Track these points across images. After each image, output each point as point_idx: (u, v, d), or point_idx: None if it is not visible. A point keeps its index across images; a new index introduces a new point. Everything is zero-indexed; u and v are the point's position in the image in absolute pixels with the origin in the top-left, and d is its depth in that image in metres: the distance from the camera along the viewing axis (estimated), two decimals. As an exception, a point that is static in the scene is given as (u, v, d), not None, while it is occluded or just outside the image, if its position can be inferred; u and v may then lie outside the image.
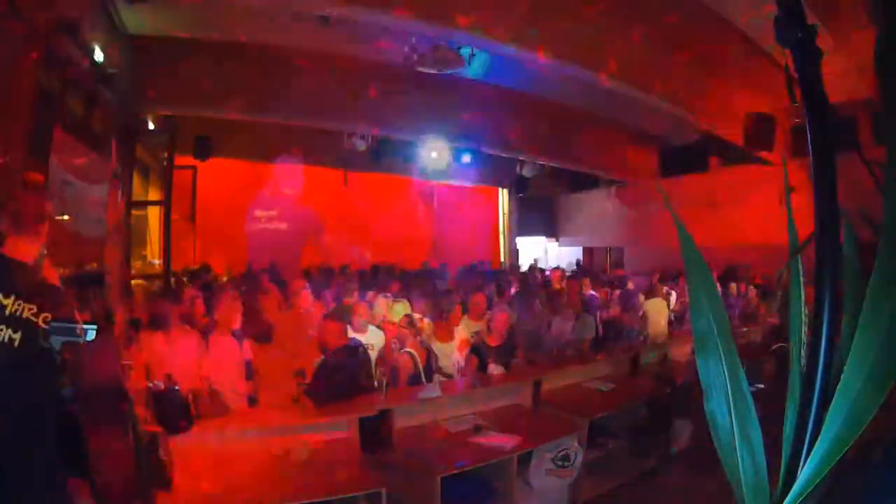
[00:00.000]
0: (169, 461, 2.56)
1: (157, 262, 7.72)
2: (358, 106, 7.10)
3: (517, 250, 13.17)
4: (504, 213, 13.29)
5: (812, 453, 0.79)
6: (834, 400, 0.77)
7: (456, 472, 2.76)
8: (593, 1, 5.02)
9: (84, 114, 4.63)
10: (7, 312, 1.57)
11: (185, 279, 7.24)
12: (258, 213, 10.13)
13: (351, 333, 3.69)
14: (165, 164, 7.82)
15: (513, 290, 6.47)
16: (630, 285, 6.45)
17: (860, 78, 4.25)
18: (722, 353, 0.91)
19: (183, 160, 8.23)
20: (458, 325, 4.38)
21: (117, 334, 3.18)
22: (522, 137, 8.64)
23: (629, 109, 7.44)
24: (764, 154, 7.22)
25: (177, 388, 2.77)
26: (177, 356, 3.34)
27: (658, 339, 5.57)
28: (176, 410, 2.67)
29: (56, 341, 1.65)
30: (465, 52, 5.62)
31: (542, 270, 8.91)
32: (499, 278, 7.55)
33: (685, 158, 9.42)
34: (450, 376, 4.08)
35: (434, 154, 9.20)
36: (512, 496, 3.10)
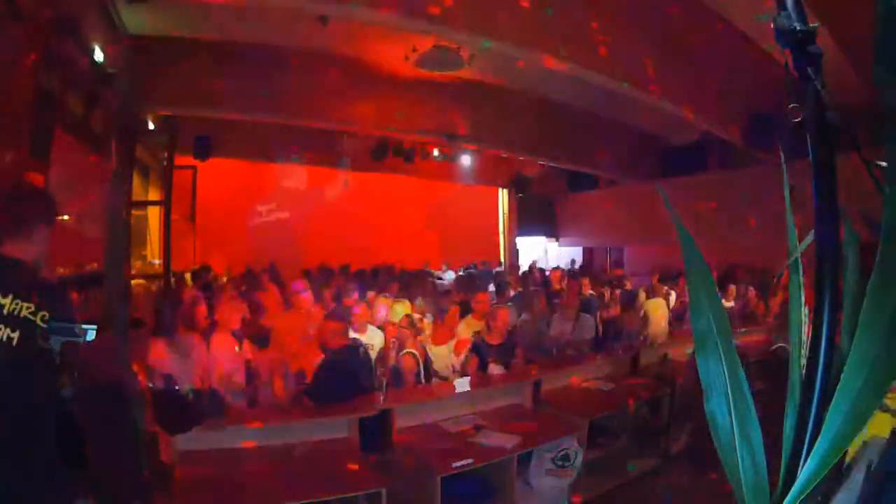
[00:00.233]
0: (169, 461, 2.57)
1: (157, 262, 7.72)
2: (358, 106, 7.10)
3: (517, 250, 13.17)
4: (504, 213, 13.28)
5: (812, 453, 0.79)
6: (834, 400, 0.77)
7: (456, 472, 2.76)
8: (593, 1, 5.03)
9: (84, 114, 4.63)
10: (5, 311, 1.57)
11: (190, 279, 7.25)
12: (258, 212, 10.14)
13: (351, 334, 3.69)
14: (165, 164, 7.82)
15: (512, 291, 6.47)
16: (628, 285, 6.45)
17: (860, 78, 4.26)
18: (722, 353, 0.91)
19: (183, 160, 8.22)
20: (456, 325, 4.36)
21: (121, 334, 3.18)
22: (523, 137, 8.64)
23: (629, 109, 7.44)
24: (763, 154, 7.22)
25: (177, 388, 2.77)
26: (177, 357, 3.34)
27: (658, 339, 5.57)
28: (176, 411, 2.67)
29: (55, 340, 1.65)
30: (465, 51, 5.62)
31: (542, 270, 8.91)
32: (498, 278, 7.55)
33: (685, 158, 9.42)
34: (445, 379, 4.07)
35: (434, 154, 9.21)
36: (512, 496, 3.11)
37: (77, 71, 4.26)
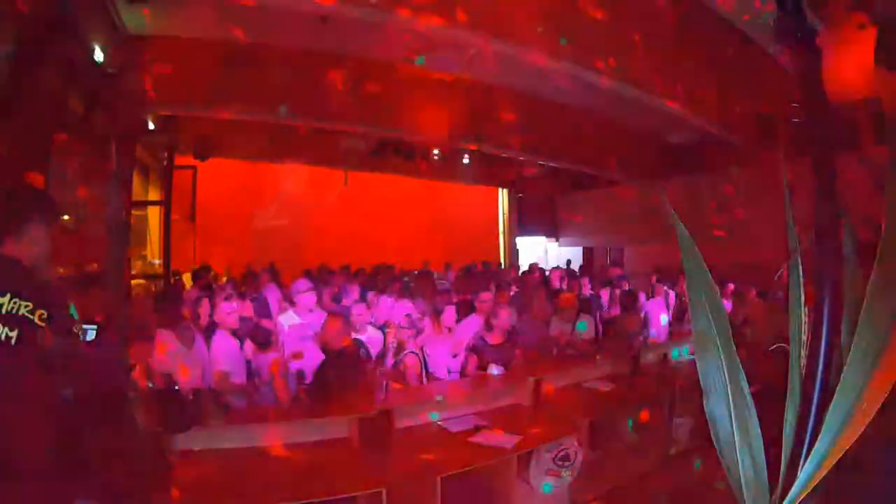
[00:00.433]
0: (169, 461, 2.56)
1: (157, 262, 7.72)
2: (358, 105, 7.09)
3: (517, 250, 13.16)
4: (504, 213, 13.28)
5: (812, 453, 0.79)
6: (834, 400, 0.77)
7: (456, 472, 2.76)
8: (592, 1, 5.03)
9: (84, 114, 4.63)
10: (3, 311, 1.57)
11: (190, 279, 7.25)
12: (258, 212, 10.14)
13: (351, 334, 3.69)
14: (165, 164, 7.82)
15: (512, 291, 6.47)
16: (625, 285, 6.45)
17: (860, 78, 4.25)
18: (722, 353, 0.91)
19: (183, 160, 8.23)
20: (452, 326, 4.34)
21: (121, 334, 3.18)
22: (523, 137, 8.63)
23: (629, 109, 7.43)
24: (764, 154, 7.21)
25: (177, 387, 2.77)
26: (181, 356, 3.35)
27: (658, 339, 5.58)
28: (176, 410, 2.67)
29: (54, 339, 1.65)
30: (466, 51, 5.62)
31: (542, 270, 8.91)
32: (498, 278, 7.55)
33: (685, 158, 9.41)
34: (438, 380, 4.06)
35: (434, 154, 9.20)
36: (512, 496, 3.10)
37: (77, 71, 4.26)
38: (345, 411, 3.08)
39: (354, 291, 5.53)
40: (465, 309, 4.94)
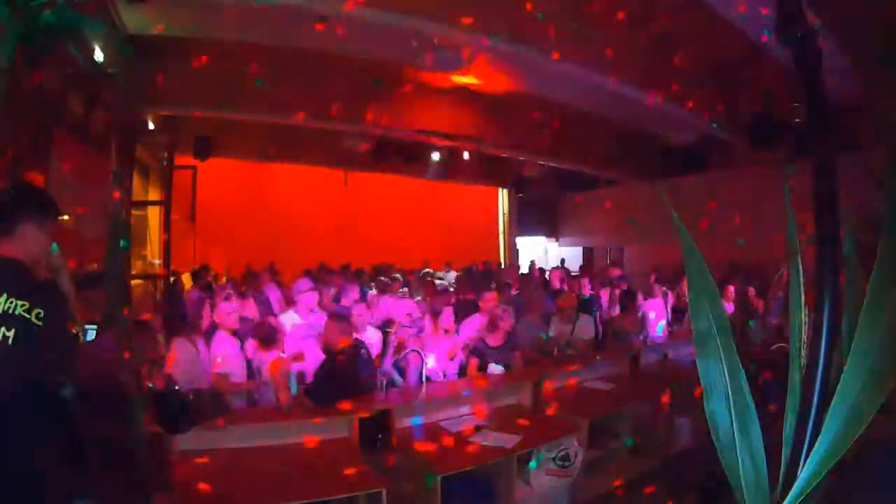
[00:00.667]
0: (169, 461, 2.57)
1: (157, 262, 7.72)
2: (358, 106, 7.10)
3: (517, 250, 13.16)
4: (504, 213, 13.27)
5: (812, 453, 0.79)
6: (834, 400, 0.77)
7: (456, 472, 2.76)
8: (592, 2, 5.02)
9: (84, 114, 4.63)
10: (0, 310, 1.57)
11: (189, 279, 7.25)
12: (258, 213, 10.14)
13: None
14: (165, 164, 7.82)
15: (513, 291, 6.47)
16: (625, 285, 6.45)
17: (860, 78, 4.25)
18: (722, 354, 0.91)
19: (183, 160, 8.23)
20: (450, 327, 4.32)
21: (121, 334, 3.18)
22: (523, 137, 8.63)
23: (629, 109, 7.43)
24: (764, 154, 7.21)
25: (177, 388, 2.77)
26: (185, 356, 3.35)
27: (657, 339, 5.58)
28: (176, 411, 2.66)
29: (51, 338, 1.65)
30: (466, 52, 5.62)
31: (542, 270, 8.91)
32: (498, 278, 7.55)
33: (685, 158, 9.41)
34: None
35: (434, 154, 9.20)
36: (512, 496, 3.10)
37: (77, 71, 4.26)
38: (345, 411, 3.08)
39: (354, 291, 5.52)
40: (467, 308, 4.94)
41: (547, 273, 8.46)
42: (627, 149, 9.76)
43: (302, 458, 2.78)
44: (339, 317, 3.57)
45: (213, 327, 3.72)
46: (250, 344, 3.73)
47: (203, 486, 2.42)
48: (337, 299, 5.51)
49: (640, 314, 5.67)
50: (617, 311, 5.87)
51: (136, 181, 7.20)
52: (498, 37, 4.87)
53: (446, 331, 4.22)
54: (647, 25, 5.36)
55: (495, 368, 3.96)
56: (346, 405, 3.12)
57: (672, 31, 5.51)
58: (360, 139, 8.60)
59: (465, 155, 9.94)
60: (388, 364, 4.05)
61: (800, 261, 0.95)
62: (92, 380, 1.91)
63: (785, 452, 0.85)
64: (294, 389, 3.39)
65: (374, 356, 4.00)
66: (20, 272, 1.66)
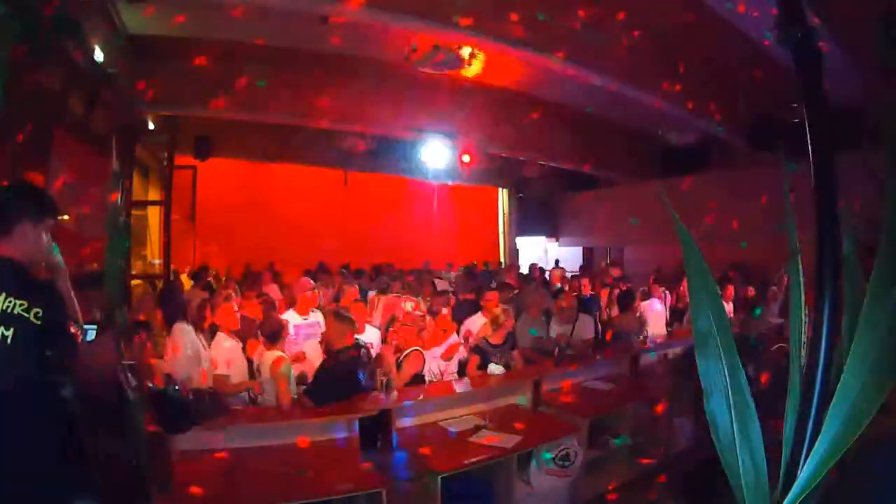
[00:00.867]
0: (169, 461, 2.57)
1: (157, 262, 7.72)
2: (358, 106, 7.10)
3: (517, 250, 13.16)
4: (504, 213, 13.27)
5: (812, 453, 0.79)
6: (834, 400, 0.77)
7: (456, 471, 2.76)
8: (592, 2, 5.02)
9: (84, 114, 4.63)
10: None
11: (188, 279, 7.25)
12: (258, 213, 10.14)
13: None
14: (165, 164, 7.82)
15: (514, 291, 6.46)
16: (624, 285, 6.45)
17: (860, 78, 4.25)
18: (722, 353, 0.91)
19: (183, 160, 8.23)
20: (448, 328, 4.31)
21: (121, 334, 3.18)
22: (522, 137, 8.64)
23: (629, 109, 7.43)
24: (764, 154, 7.21)
25: (177, 388, 2.77)
26: (179, 341, 3.36)
27: (657, 339, 5.57)
28: (176, 411, 2.67)
29: (51, 338, 1.65)
30: (465, 51, 5.62)
31: (542, 270, 8.91)
32: (499, 278, 7.55)
33: (685, 158, 9.41)
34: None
35: (434, 154, 9.19)
36: (512, 496, 3.10)
37: (77, 71, 4.25)
38: (345, 411, 3.08)
39: (354, 291, 5.52)
40: (467, 308, 4.93)
41: (547, 273, 8.46)
42: (627, 149, 9.77)
43: (302, 458, 2.78)
44: (340, 317, 3.57)
45: (214, 328, 3.72)
46: (251, 344, 3.73)
47: (203, 486, 2.42)
48: (337, 299, 5.51)
49: (639, 314, 5.67)
50: (616, 311, 5.87)
51: (136, 181, 7.20)
52: (498, 37, 4.87)
53: (444, 331, 4.22)
54: (648, 26, 5.37)
55: (495, 368, 3.96)
56: (346, 405, 3.12)
57: (672, 32, 5.52)
58: (360, 139, 8.60)
59: (465, 155, 9.94)
60: (390, 363, 4.03)
61: (800, 261, 0.95)
62: (92, 380, 1.91)
63: (785, 452, 0.85)
64: (294, 390, 3.39)
65: (374, 356, 3.99)
66: (19, 272, 1.66)
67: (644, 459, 3.98)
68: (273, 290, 5.96)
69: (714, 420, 0.90)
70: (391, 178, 10.83)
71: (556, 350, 4.44)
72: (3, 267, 1.63)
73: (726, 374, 0.90)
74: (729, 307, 6.01)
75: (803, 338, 0.91)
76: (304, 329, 4.22)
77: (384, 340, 4.29)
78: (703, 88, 6.61)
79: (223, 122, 7.63)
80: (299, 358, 3.77)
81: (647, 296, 6.09)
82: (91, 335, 2.54)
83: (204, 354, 3.49)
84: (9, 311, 1.58)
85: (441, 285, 6.50)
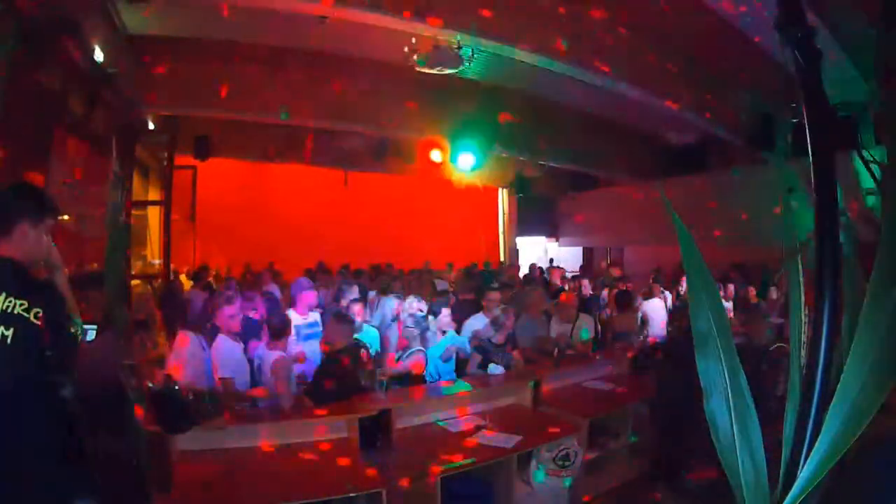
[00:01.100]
0: (169, 461, 2.57)
1: (157, 262, 7.72)
2: (358, 105, 7.10)
3: (517, 250, 13.16)
4: (504, 213, 13.27)
5: (812, 453, 0.79)
6: (834, 400, 0.77)
7: (456, 472, 2.76)
8: (593, 2, 5.02)
9: (84, 114, 4.63)
10: None
11: (187, 279, 7.26)
12: (258, 213, 10.14)
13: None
14: (165, 164, 7.82)
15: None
16: (622, 286, 6.45)
17: (860, 77, 4.25)
18: (722, 354, 0.91)
19: (183, 160, 8.23)
20: (447, 328, 4.30)
21: (121, 334, 3.18)
22: (523, 137, 8.63)
23: (629, 109, 7.43)
24: (764, 154, 7.21)
25: (177, 387, 2.77)
26: (183, 349, 3.35)
27: (656, 339, 5.57)
28: (176, 410, 2.66)
29: (51, 338, 1.65)
30: (465, 51, 5.62)
31: (542, 270, 8.91)
32: (499, 278, 7.55)
33: (685, 158, 9.41)
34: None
35: (434, 154, 9.18)
36: (512, 496, 3.10)
37: (77, 71, 4.26)
38: (345, 411, 3.08)
39: (354, 291, 5.52)
40: (467, 308, 4.93)
41: (546, 273, 8.46)
42: (627, 149, 9.76)
43: (301, 458, 2.78)
44: (341, 317, 3.57)
45: (214, 329, 3.71)
46: (252, 344, 3.72)
47: (203, 485, 2.42)
48: (337, 299, 5.51)
49: (637, 314, 5.68)
50: (617, 311, 5.87)
51: (136, 181, 7.20)
52: (498, 38, 4.87)
53: (443, 332, 4.22)
54: (648, 26, 5.37)
55: (495, 368, 3.96)
56: (345, 405, 3.12)
57: (672, 32, 5.52)
58: (360, 139, 8.59)
59: (465, 155, 9.92)
60: (392, 363, 4.03)
61: (800, 261, 0.95)
62: (92, 380, 1.91)
63: (785, 452, 0.85)
64: (294, 390, 3.39)
65: (374, 356, 4.00)
66: (19, 272, 1.66)
67: (644, 459, 3.98)
68: (273, 290, 5.96)
69: (714, 420, 0.90)
70: (391, 178, 10.82)
71: (556, 350, 4.45)
72: (3, 267, 1.63)
73: (726, 374, 0.90)
74: (729, 307, 6.01)
75: (803, 338, 0.91)
76: (304, 329, 4.22)
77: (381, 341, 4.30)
78: (703, 89, 6.61)
79: (223, 122, 7.63)
80: (299, 358, 3.77)
81: (649, 295, 6.09)
82: (91, 335, 2.54)
83: (206, 365, 3.46)
84: (9, 311, 1.58)
85: (440, 286, 6.50)
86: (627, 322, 5.45)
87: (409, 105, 7.41)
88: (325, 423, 3.04)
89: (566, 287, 6.56)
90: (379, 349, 4.25)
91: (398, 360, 4.01)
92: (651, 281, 6.58)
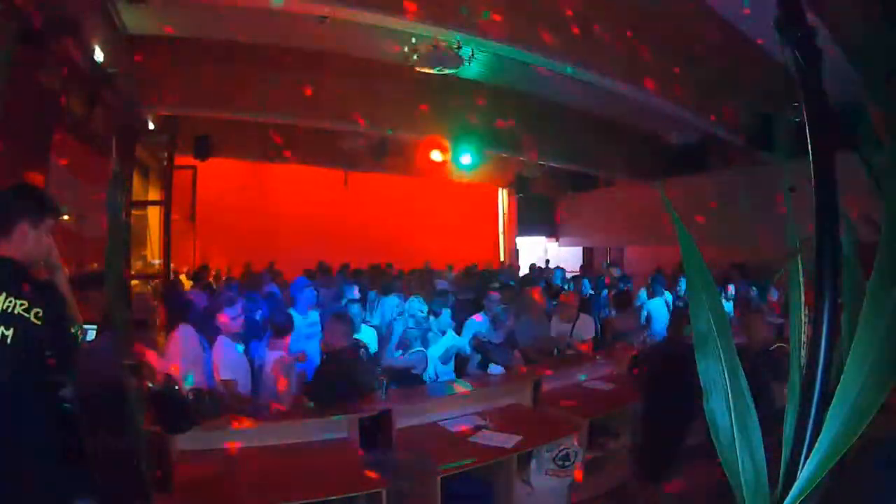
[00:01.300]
0: (169, 461, 2.56)
1: (157, 262, 7.72)
2: (358, 106, 7.10)
3: (517, 250, 13.16)
4: (504, 213, 13.28)
5: (812, 453, 0.79)
6: (834, 400, 0.77)
7: (456, 472, 2.76)
8: (593, 2, 5.02)
9: (84, 114, 4.63)
10: None
11: (186, 279, 7.26)
12: (258, 213, 10.15)
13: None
14: (165, 164, 7.82)
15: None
16: (628, 285, 6.46)
17: (860, 77, 4.25)
18: (722, 353, 0.90)
19: (183, 160, 8.23)
20: (447, 330, 4.31)
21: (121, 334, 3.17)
22: (523, 137, 8.63)
23: (629, 109, 7.43)
24: (764, 154, 7.21)
25: (177, 387, 2.77)
26: (181, 343, 3.35)
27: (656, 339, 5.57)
28: (176, 410, 2.66)
29: (51, 338, 1.65)
30: (465, 51, 5.62)
31: (542, 269, 8.92)
32: (499, 278, 7.55)
33: (685, 158, 9.41)
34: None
35: (434, 154, 9.18)
36: (512, 496, 3.10)
37: (77, 71, 4.26)
38: (345, 411, 3.08)
39: (354, 291, 5.53)
40: (467, 308, 4.93)
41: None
42: (627, 149, 9.76)
43: (302, 458, 2.78)
44: (340, 317, 3.57)
45: (215, 330, 3.71)
46: (253, 344, 3.72)
47: (203, 485, 2.41)
48: (337, 299, 5.52)
49: (636, 314, 5.68)
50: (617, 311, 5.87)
51: (136, 181, 7.21)
52: (499, 38, 4.86)
53: (443, 332, 4.22)
54: (648, 26, 5.37)
55: (495, 368, 3.96)
56: (345, 405, 3.12)
57: (672, 32, 5.52)
58: (361, 139, 8.59)
59: (465, 155, 9.93)
60: (393, 362, 4.03)
61: (800, 261, 0.95)
62: (92, 380, 1.91)
63: (785, 452, 0.85)
64: (294, 390, 3.39)
65: (373, 356, 4.00)
66: (19, 272, 1.66)
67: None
68: (274, 290, 5.96)
69: (714, 420, 0.90)
70: (391, 177, 10.83)
71: (556, 350, 4.45)
72: (3, 267, 1.63)
73: (726, 374, 0.90)
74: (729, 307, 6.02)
75: (803, 338, 0.91)
76: (304, 329, 4.22)
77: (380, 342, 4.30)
78: (703, 88, 6.61)
79: (223, 122, 7.63)
80: (301, 359, 3.78)
81: (652, 295, 6.10)
82: (91, 335, 2.54)
83: (205, 364, 3.47)
84: (9, 310, 1.59)
85: (440, 286, 6.51)
86: (627, 322, 5.44)
87: (408, 105, 7.41)
88: (325, 423, 3.04)
89: (565, 287, 6.56)
90: (378, 349, 4.26)
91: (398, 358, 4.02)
92: (651, 281, 6.58)
